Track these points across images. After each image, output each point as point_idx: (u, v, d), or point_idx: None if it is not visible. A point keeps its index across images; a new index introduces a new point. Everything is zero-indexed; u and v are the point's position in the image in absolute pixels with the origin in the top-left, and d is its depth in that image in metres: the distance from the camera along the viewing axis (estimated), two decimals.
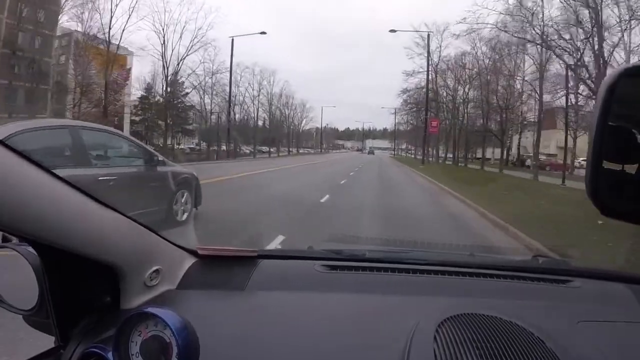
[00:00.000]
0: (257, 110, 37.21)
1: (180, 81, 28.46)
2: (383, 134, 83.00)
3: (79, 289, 0.74)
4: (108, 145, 4.59)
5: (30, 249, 0.71)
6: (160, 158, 5.05)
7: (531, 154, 26.67)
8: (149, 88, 28.93)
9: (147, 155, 4.82)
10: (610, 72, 0.52)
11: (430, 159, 32.44)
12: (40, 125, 4.00)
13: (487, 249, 3.61)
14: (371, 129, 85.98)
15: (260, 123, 39.79)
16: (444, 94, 29.28)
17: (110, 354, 0.65)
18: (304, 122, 50.34)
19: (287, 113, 44.97)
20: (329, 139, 77.88)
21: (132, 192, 4.38)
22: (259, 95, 36.65)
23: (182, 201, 5.21)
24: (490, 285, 1.03)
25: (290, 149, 48.71)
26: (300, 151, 55.84)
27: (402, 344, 0.69)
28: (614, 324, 0.83)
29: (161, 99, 28.03)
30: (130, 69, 26.67)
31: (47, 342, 0.77)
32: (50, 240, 0.63)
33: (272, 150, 42.45)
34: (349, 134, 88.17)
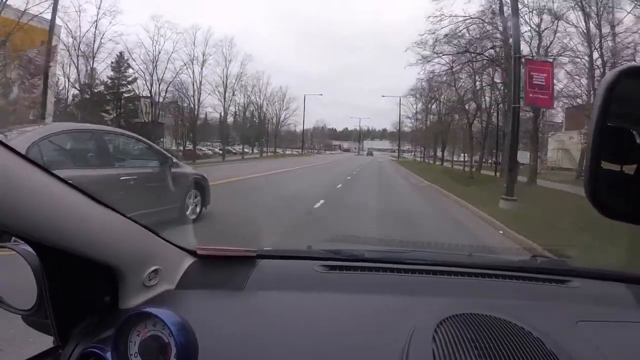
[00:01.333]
0: (198, 93, 25.24)
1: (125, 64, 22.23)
2: (382, 135, 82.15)
3: (77, 289, 0.74)
4: (128, 148, 5.01)
5: (29, 249, 0.71)
6: (175, 160, 5.45)
7: None
8: (91, 74, 21.56)
9: (162, 157, 5.23)
10: (609, 72, 0.52)
11: (462, 167, 18.97)
12: (74, 128, 4.53)
13: (485, 249, 3.60)
14: (370, 129, 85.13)
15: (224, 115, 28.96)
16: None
17: (109, 354, 0.65)
18: (283, 115, 39.14)
19: (258, 101, 33.39)
20: (323, 138, 72.87)
21: (150, 191, 4.73)
22: (201, 68, 24.95)
23: (193, 200, 5.58)
24: (489, 285, 1.03)
25: (266, 150, 38.43)
26: (287, 152, 46.22)
27: (401, 344, 0.69)
28: (612, 324, 0.83)
29: (103, 88, 21.50)
30: (56, 46, 18.92)
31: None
32: (48, 240, 0.63)
33: (234, 150, 32.86)
34: (346, 135, 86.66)
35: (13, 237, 0.75)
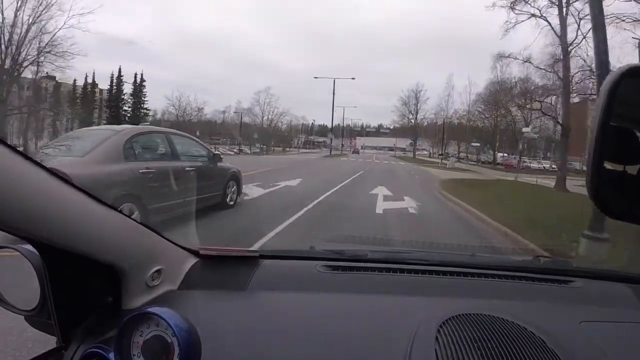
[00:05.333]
0: None
1: None
2: (378, 131, 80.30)
3: (80, 289, 0.74)
4: (189, 146, 6.16)
5: (32, 249, 0.72)
6: (221, 156, 6.68)
7: None
8: None
9: (211, 154, 6.46)
10: (611, 72, 0.52)
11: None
12: (154, 130, 6.00)
13: (489, 249, 3.59)
14: (364, 125, 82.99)
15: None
16: None
17: (112, 355, 0.65)
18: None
19: None
20: (297, 133, 66.57)
21: (203, 180, 5.85)
22: None
23: (232, 190, 6.70)
24: (491, 286, 1.03)
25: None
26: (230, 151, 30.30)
27: (404, 344, 0.69)
28: (615, 324, 0.83)
29: None
30: None
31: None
32: (51, 240, 0.63)
33: None
34: (335, 131, 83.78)
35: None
